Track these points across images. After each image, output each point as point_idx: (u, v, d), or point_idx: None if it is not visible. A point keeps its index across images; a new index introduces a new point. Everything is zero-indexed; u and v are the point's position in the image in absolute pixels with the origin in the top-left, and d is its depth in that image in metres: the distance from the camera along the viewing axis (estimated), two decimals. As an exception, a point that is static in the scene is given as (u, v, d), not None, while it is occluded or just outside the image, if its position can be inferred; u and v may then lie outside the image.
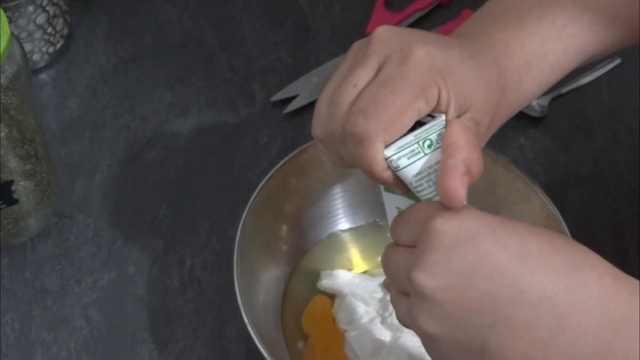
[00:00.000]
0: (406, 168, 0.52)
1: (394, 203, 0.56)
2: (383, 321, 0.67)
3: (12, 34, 0.63)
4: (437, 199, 0.52)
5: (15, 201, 0.70)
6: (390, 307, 0.67)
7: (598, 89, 0.86)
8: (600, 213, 0.78)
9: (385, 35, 0.54)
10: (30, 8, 0.80)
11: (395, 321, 0.66)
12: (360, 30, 0.89)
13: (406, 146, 0.51)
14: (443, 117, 0.52)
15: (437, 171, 0.51)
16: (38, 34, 0.83)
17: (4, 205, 0.70)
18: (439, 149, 0.52)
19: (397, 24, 0.89)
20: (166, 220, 0.77)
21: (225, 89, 0.85)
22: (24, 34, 0.81)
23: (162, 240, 0.75)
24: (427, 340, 0.50)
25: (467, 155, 0.50)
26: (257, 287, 0.67)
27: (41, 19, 0.82)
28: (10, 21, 0.79)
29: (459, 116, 0.53)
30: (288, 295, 0.70)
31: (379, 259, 0.54)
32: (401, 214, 0.53)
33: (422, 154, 0.52)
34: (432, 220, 0.49)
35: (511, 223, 0.48)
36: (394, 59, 0.52)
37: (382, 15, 0.89)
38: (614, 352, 0.45)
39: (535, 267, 0.46)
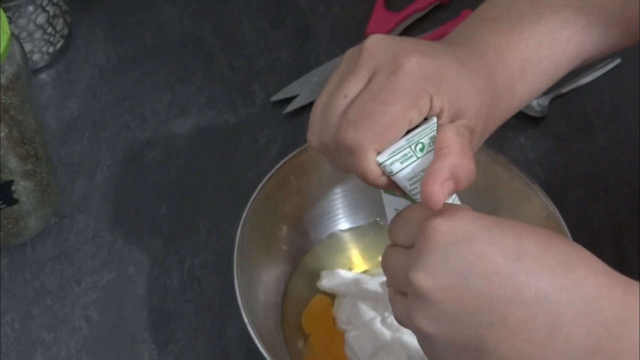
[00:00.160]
0: (400, 172, 0.52)
1: (393, 204, 0.56)
2: (383, 321, 0.67)
3: (12, 34, 0.63)
4: None
5: (15, 201, 0.70)
6: (390, 308, 0.67)
7: (598, 89, 0.86)
8: (600, 213, 0.78)
9: (376, 45, 0.54)
10: (30, 8, 0.80)
11: (395, 321, 0.67)
12: (360, 30, 0.89)
13: (398, 151, 0.52)
14: (434, 119, 0.53)
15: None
16: (38, 34, 0.83)
17: (4, 205, 0.70)
18: (432, 152, 0.52)
19: (397, 24, 0.89)
20: (166, 220, 0.77)
21: (225, 89, 0.85)
22: (24, 34, 0.81)
23: (162, 240, 0.75)
24: (424, 340, 0.50)
25: (455, 161, 0.51)
26: (257, 287, 0.67)
27: (41, 19, 0.82)
28: (10, 21, 0.79)
29: (451, 122, 0.54)
30: (288, 295, 0.70)
31: (380, 258, 0.54)
32: (398, 215, 0.53)
33: (414, 158, 0.52)
34: (429, 221, 0.49)
35: (507, 223, 0.49)
36: (384, 69, 0.52)
37: (382, 16, 0.89)
38: (607, 351, 0.46)
39: (531, 267, 0.47)
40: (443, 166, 0.50)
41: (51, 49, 0.85)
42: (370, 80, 0.53)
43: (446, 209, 0.50)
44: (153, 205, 0.77)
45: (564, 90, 0.85)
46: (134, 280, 0.73)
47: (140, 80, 0.86)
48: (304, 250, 0.72)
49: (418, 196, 0.53)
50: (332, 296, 0.70)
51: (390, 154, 0.52)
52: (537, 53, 0.59)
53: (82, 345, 0.70)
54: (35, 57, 0.84)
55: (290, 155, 0.70)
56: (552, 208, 0.68)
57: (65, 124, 0.82)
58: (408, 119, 0.52)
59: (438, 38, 0.81)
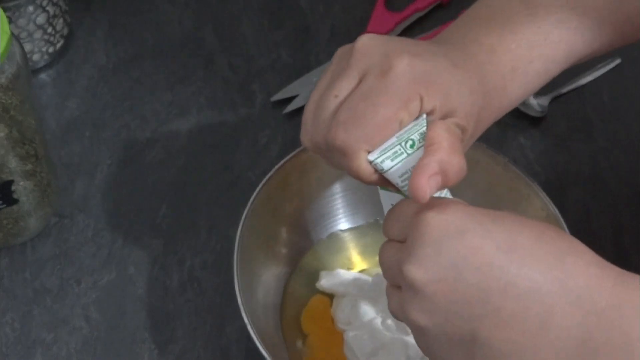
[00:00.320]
0: (391, 169, 0.52)
1: (389, 200, 0.56)
2: (382, 321, 0.67)
3: (12, 34, 0.63)
4: None
5: (15, 201, 0.70)
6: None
7: (598, 89, 0.86)
8: (600, 213, 0.78)
9: (367, 45, 0.54)
10: (30, 8, 0.80)
11: (394, 322, 0.67)
12: (360, 30, 0.89)
13: (389, 148, 0.52)
14: (424, 116, 0.53)
15: None
16: (38, 34, 0.83)
17: (4, 205, 0.70)
18: (422, 148, 0.52)
19: (397, 24, 0.89)
20: (166, 220, 0.77)
21: (225, 89, 0.85)
22: (24, 34, 0.81)
23: (162, 240, 0.75)
24: (418, 332, 0.50)
25: (444, 157, 0.51)
26: (257, 287, 0.67)
27: (41, 19, 0.82)
28: (10, 21, 0.80)
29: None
30: (288, 295, 0.70)
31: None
32: (391, 210, 0.54)
33: (405, 154, 0.52)
34: (421, 215, 0.49)
35: (500, 216, 0.49)
36: (375, 70, 0.53)
37: (382, 16, 0.89)
38: (598, 341, 0.46)
39: (523, 259, 0.47)
40: (431, 161, 0.51)
41: (51, 49, 0.85)
42: (360, 80, 0.53)
43: (438, 203, 0.50)
44: (153, 205, 0.77)
45: (564, 90, 0.85)
46: (134, 280, 0.73)
47: (140, 80, 0.86)
48: (304, 250, 0.72)
49: None
50: (331, 296, 0.70)
51: (380, 151, 0.52)
52: (529, 53, 0.59)
53: (82, 345, 0.70)
54: (35, 57, 0.84)
55: (290, 155, 0.70)
56: (552, 208, 0.68)
57: (65, 124, 0.82)
58: (399, 120, 0.52)
59: (438, 38, 0.81)
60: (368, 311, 0.68)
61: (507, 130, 0.82)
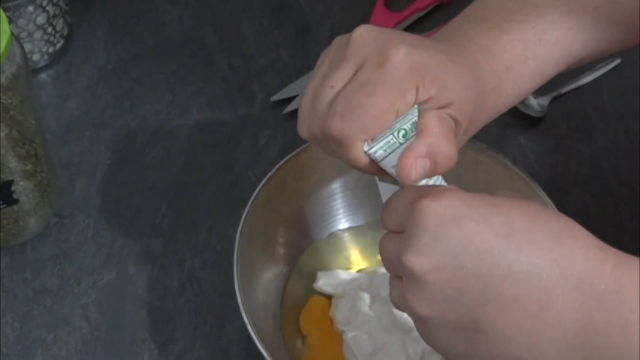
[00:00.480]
0: (385, 159, 0.53)
1: (387, 192, 0.56)
2: (381, 322, 0.67)
3: (12, 34, 0.63)
4: (421, 184, 0.53)
5: (15, 201, 0.70)
6: (388, 308, 0.67)
7: (598, 89, 0.86)
8: (600, 213, 0.78)
9: (364, 36, 0.54)
10: (30, 8, 0.80)
11: (393, 322, 0.67)
12: (360, 30, 0.89)
13: (382, 138, 0.53)
14: (416, 106, 0.53)
15: None
16: (38, 34, 0.83)
17: (4, 205, 0.70)
18: (414, 137, 0.53)
19: (397, 23, 0.89)
20: (166, 220, 0.77)
21: (225, 89, 0.85)
22: (24, 34, 0.81)
23: (162, 240, 0.75)
24: (420, 322, 0.50)
25: (433, 141, 0.52)
26: (257, 287, 0.67)
27: (41, 19, 0.82)
28: (10, 21, 0.80)
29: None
30: (288, 295, 0.70)
31: (380, 257, 0.54)
32: (387, 200, 0.54)
33: (397, 144, 0.53)
34: (417, 203, 0.49)
35: (496, 201, 0.49)
36: (372, 61, 0.53)
37: (382, 15, 0.89)
38: (598, 324, 0.46)
39: (521, 243, 0.47)
40: (420, 144, 0.51)
41: (51, 49, 0.85)
42: (357, 71, 0.53)
43: (433, 191, 0.50)
44: (153, 205, 0.77)
45: (564, 90, 0.85)
46: (134, 280, 0.73)
47: (140, 80, 0.86)
48: (304, 250, 0.72)
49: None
50: (329, 297, 0.70)
51: (374, 141, 0.53)
52: (523, 54, 0.59)
53: (82, 345, 0.70)
54: (35, 57, 0.84)
55: (290, 155, 0.70)
56: (552, 208, 0.67)
57: (65, 124, 0.82)
58: (395, 110, 0.52)
59: (438, 38, 0.81)
60: (367, 312, 0.68)
61: (507, 130, 0.82)
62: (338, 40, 0.56)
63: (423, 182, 0.53)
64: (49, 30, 0.83)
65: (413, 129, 0.53)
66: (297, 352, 0.68)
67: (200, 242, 0.75)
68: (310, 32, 0.90)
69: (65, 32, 0.86)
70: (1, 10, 0.63)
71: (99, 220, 0.76)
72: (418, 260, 0.48)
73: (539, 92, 0.79)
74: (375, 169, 0.54)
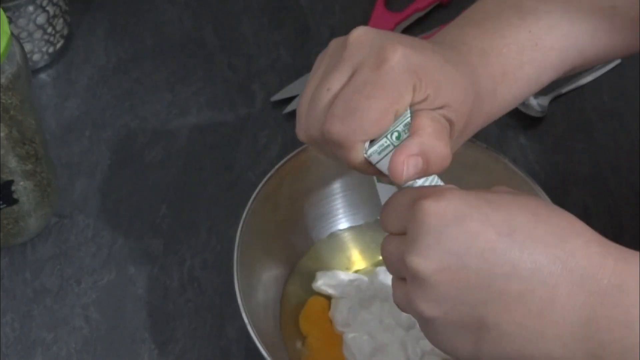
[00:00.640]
0: (380, 162, 0.53)
1: (386, 193, 0.57)
2: (380, 323, 0.67)
3: (12, 34, 0.63)
4: (418, 185, 0.54)
5: (15, 201, 0.70)
6: (387, 308, 0.67)
7: (598, 89, 0.86)
8: (600, 213, 0.78)
9: (361, 38, 0.54)
10: (30, 8, 0.80)
11: (393, 322, 0.67)
12: (360, 30, 0.89)
13: (376, 141, 0.53)
14: (408, 108, 0.53)
15: None
16: (38, 34, 0.83)
17: (4, 205, 0.70)
18: (407, 138, 0.53)
19: (397, 24, 0.89)
20: (166, 220, 0.77)
21: (225, 89, 0.85)
22: (24, 34, 0.81)
23: (162, 240, 0.75)
24: (425, 323, 0.51)
25: (426, 140, 0.52)
26: (257, 287, 0.67)
27: (41, 19, 0.82)
28: (10, 21, 0.80)
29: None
30: (288, 295, 0.70)
31: (380, 257, 0.54)
32: (386, 202, 0.54)
33: (391, 147, 0.53)
34: (418, 204, 0.49)
35: (497, 199, 0.49)
36: (369, 62, 0.53)
37: (382, 15, 0.89)
38: (601, 319, 0.47)
39: (524, 241, 0.47)
40: (412, 142, 0.52)
41: (51, 49, 0.85)
42: (354, 73, 0.53)
43: (433, 191, 0.50)
44: (153, 205, 0.77)
45: (564, 90, 0.85)
46: (134, 280, 0.73)
47: (140, 80, 0.86)
48: (304, 250, 0.72)
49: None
50: (328, 297, 0.70)
51: (369, 144, 0.53)
52: (519, 58, 0.59)
53: (82, 345, 0.70)
54: (35, 57, 0.84)
55: (290, 155, 0.70)
56: (552, 208, 0.67)
57: (65, 124, 0.82)
58: (393, 112, 0.52)
59: (438, 38, 0.81)
60: (366, 312, 0.68)
61: (507, 130, 0.82)
62: (335, 43, 0.56)
63: (420, 182, 0.53)
64: (49, 30, 0.83)
65: (406, 131, 0.53)
66: (298, 352, 0.68)
67: (200, 242, 0.75)
68: (310, 32, 0.90)
69: (65, 32, 0.86)
70: (1, 10, 0.63)
71: (98, 220, 0.76)
72: (422, 262, 0.48)
73: (539, 92, 0.78)
74: (374, 170, 0.54)
